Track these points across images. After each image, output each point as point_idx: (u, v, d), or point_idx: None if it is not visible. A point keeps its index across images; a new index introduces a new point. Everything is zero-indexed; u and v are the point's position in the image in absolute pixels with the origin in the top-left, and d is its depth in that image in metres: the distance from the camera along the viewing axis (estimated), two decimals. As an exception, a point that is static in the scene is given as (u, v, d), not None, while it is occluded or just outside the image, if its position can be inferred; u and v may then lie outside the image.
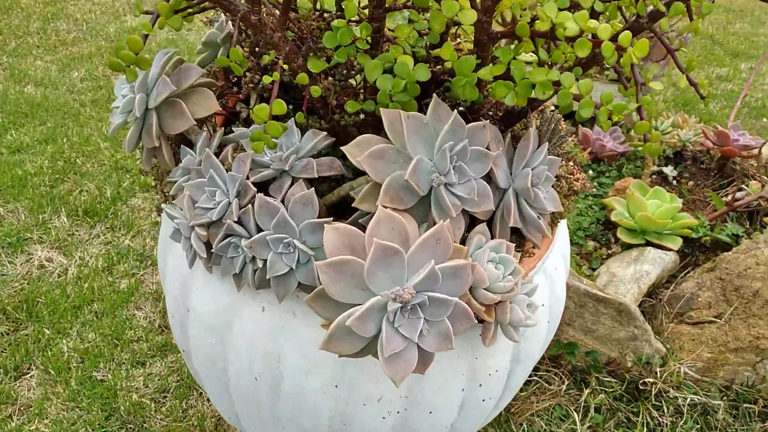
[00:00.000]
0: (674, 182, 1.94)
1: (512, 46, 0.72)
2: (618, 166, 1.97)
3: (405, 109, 0.71)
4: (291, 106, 0.93)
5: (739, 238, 1.68)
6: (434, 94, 0.68)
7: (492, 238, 0.71)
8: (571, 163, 0.85)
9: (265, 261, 0.66)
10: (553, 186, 0.77)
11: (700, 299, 1.44)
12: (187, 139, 0.83)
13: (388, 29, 0.94)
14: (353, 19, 0.78)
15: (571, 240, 1.74)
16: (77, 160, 1.99)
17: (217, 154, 0.78)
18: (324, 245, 0.58)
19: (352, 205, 0.68)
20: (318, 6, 0.88)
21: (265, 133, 0.66)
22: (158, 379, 1.31)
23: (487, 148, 0.69)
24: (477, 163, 0.67)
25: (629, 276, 1.49)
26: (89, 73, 2.56)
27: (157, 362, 1.35)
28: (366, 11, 0.90)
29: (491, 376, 0.78)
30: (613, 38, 0.52)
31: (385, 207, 0.64)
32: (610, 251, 1.68)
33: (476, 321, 0.62)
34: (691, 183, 1.92)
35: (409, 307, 0.55)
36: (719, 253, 1.67)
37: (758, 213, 1.76)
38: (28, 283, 1.52)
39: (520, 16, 0.61)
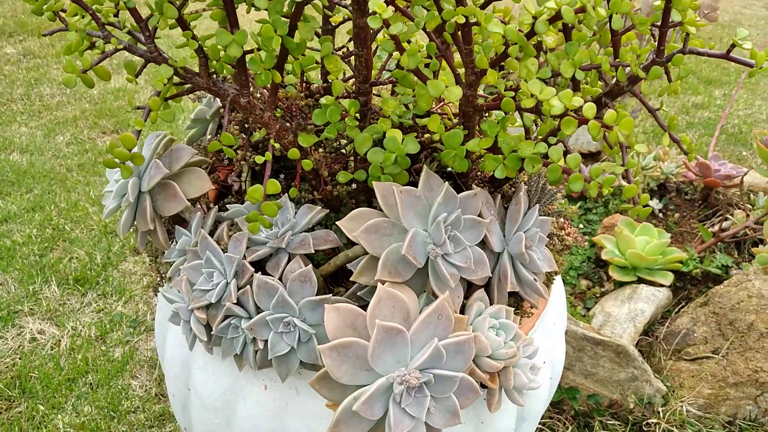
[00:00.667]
0: (660, 215, 1.96)
1: (495, 114, 0.74)
2: (604, 202, 1.99)
3: (396, 180, 0.72)
4: (282, 175, 0.94)
5: (728, 269, 1.69)
6: (424, 166, 0.69)
7: (491, 303, 0.72)
8: (561, 219, 0.86)
9: (266, 341, 0.66)
10: (546, 245, 0.78)
11: (696, 335, 1.44)
12: (181, 217, 0.83)
13: (375, 94, 0.96)
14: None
15: (563, 280, 1.74)
16: (66, 227, 1.98)
17: (211, 232, 0.78)
18: (325, 327, 0.58)
19: (351, 278, 0.68)
20: (305, 77, 0.90)
21: (261, 214, 0.67)
22: (158, 451, 1.29)
23: (479, 215, 0.70)
24: (471, 231, 0.68)
25: (624, 315, 1.50)
26: (74, 137, 2.57)
27: (155, 433, 1.33)
28: (349, 83, 0.92)
29: (498, 439, 0.77)
30: (599, 116, 0.54)
31: (384, 280, 0.64)
32: (603, 289, 1.68)
33: (481, 393, 0.63)
34: (677, 215, 1.94)
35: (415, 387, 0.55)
36: (710, 284, 1.68)
37: (745, 242, 1.79)
38: (20, 358, 1.50)
39: (505, 89, 0.63)
